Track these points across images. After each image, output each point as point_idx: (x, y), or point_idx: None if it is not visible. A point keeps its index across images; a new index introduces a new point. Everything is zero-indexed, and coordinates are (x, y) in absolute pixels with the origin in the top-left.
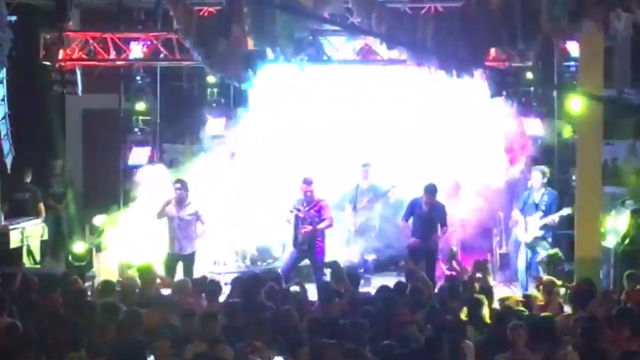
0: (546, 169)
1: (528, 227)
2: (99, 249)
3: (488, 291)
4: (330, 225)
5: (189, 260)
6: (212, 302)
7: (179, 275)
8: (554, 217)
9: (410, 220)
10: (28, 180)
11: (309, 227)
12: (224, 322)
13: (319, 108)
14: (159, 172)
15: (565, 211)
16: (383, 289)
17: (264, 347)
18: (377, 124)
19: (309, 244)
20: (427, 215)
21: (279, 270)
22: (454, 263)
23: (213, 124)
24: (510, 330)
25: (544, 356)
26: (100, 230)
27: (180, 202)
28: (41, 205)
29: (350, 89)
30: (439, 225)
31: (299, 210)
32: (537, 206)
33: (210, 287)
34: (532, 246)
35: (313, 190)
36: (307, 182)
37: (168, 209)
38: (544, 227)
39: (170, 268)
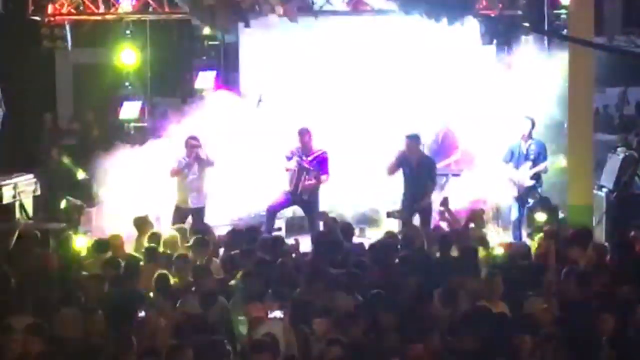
0: (532, 120)
1: (518, 178)
2: (91, 203)
3: (483, 240)
4: (328, 180)
5: (199, 214)
6: (206, 256)
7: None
8: (544, 166)
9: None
10: (74, 126)
11: (314, 181)
12: (221, 275)
13: (311, 62)
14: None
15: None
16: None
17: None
18: (372, 78)
19: (310, 196)
20: (417, 169)
21: (266, 208)
22: (446, 213)
23: (203, 77)
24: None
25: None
26: (85, 184)
27: (190, 154)
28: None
29: (341, 42)
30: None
31: (301, 159)
32: (525, 156)
33: (204, 241)
34: (522, 197)
35: (311, 140)
36: (305, 131)
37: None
38: (535, 176)
39: (179, 221)
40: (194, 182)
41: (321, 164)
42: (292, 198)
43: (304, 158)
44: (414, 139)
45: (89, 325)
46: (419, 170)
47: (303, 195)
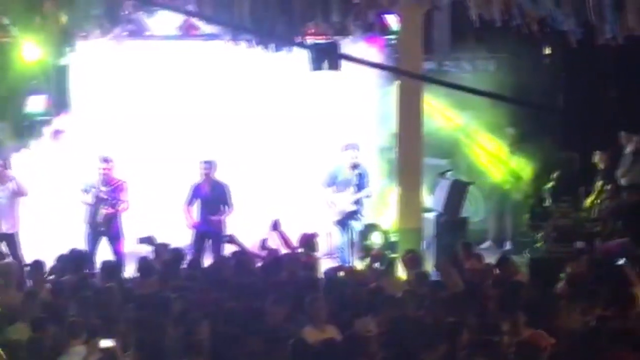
0: (358, 147)
1: (339, 204)
2: None
3: (313, 265)
4: (127, 208)
5: (12, 240)
6: (36, 282)
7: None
8: (367, 192)
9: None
10: None
11: (111, 210)
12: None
13: (143, 85)
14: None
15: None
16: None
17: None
18: (205, 103)
19: (107, 225)
20: (209, 197)
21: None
22: (278, 235)
23: (34, 101)
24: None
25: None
26: None
27: (2, 179)
28: None
29: (174, 66)
30: (224, 207)
31: (98, 189)
32: (349, 183)
33: (34, 266)
34: (344, 222)
35: (111, 170)
36: (106, 160)
37: None
38: (357, 202)
39: None
40: (2, 206)
41: (119, 193)
42: (93, 231)
43: (101, 189)
44: (208, 164)
45: None
46: (211, 194)
47: (100, 226)
